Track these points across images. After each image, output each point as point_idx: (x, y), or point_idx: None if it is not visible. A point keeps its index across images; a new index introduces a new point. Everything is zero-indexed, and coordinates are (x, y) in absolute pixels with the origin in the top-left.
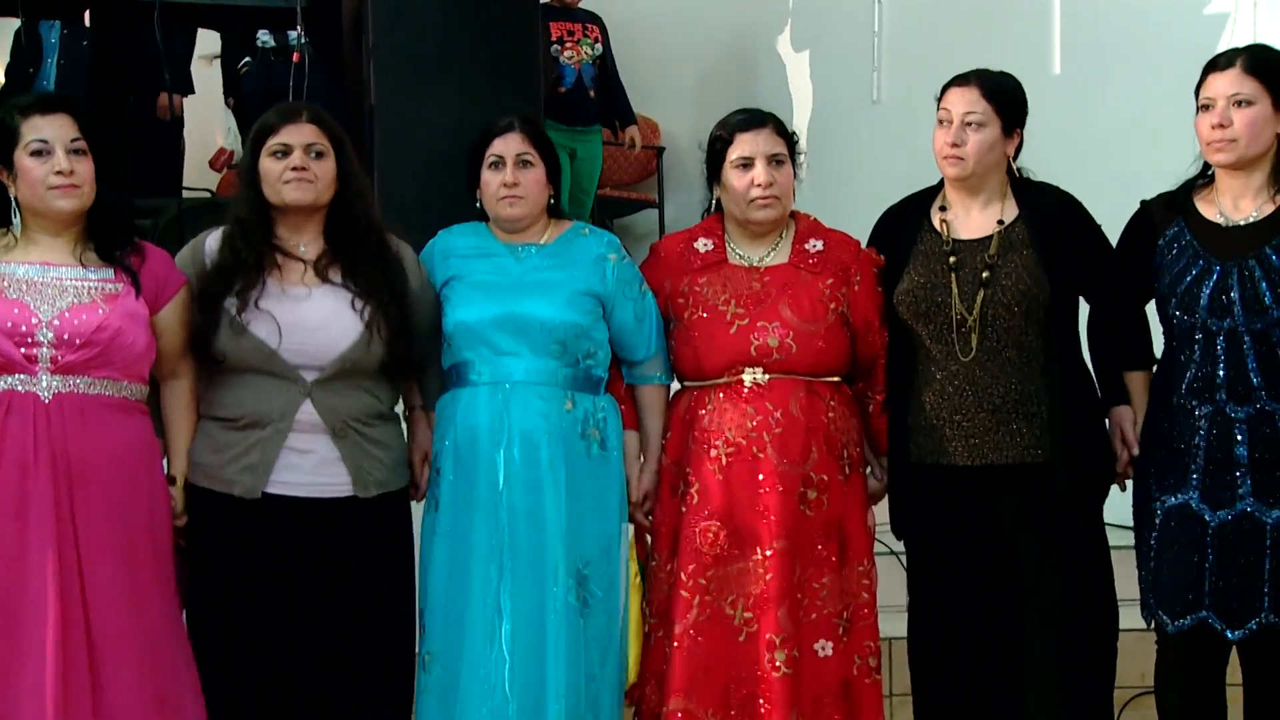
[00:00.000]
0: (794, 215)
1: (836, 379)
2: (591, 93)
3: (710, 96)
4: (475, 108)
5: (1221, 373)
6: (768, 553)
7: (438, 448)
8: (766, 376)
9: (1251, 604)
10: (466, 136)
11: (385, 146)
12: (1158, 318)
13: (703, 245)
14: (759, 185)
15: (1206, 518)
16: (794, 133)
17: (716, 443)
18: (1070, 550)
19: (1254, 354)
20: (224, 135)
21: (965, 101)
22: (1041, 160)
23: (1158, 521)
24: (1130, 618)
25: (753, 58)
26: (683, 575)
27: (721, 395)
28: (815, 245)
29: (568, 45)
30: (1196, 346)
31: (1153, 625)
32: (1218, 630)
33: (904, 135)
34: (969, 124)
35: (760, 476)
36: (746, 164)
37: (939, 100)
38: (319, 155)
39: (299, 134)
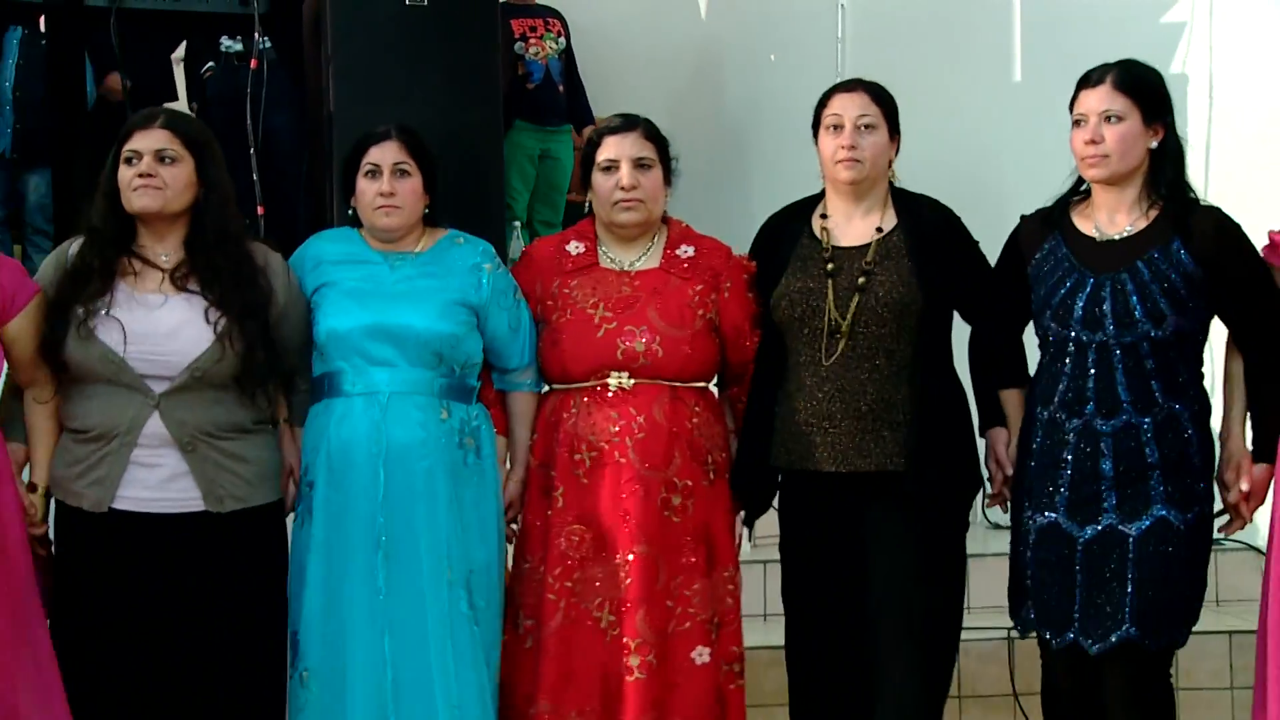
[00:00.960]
0: (667, 221)
1: (704, 385)
2: (560, 88)
3: (676, 103)
4: (435, 114)
5: (1091, 386)
6: (629, 557)
7: (309, 459)
8: (632, 381)
9: (1114, 618)
10: (428, 143)
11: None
12: (1034, 332)
13: (574, 248)
14: (622, 188)
15: (1074, 534)
16: (668, 139)
17: (580, 446)
18: (927, 559)
19: (1123, 368)
20: None
21: (857, 105)
22: (1003, 166)
23: (1031, 540)
24: None
25: (719, 64)
26: (550, 578)
27: (586, 399)
28: (686, 251)
29: (532, 41)
30: (1069, 359)
31: (1025, 639)
32: (1084, 647)
33: None
34: (863, 126)
35: (622, 481)
36: (612, 166)
37: (825, 105)
38: (171, 161)
39: (149, 140)
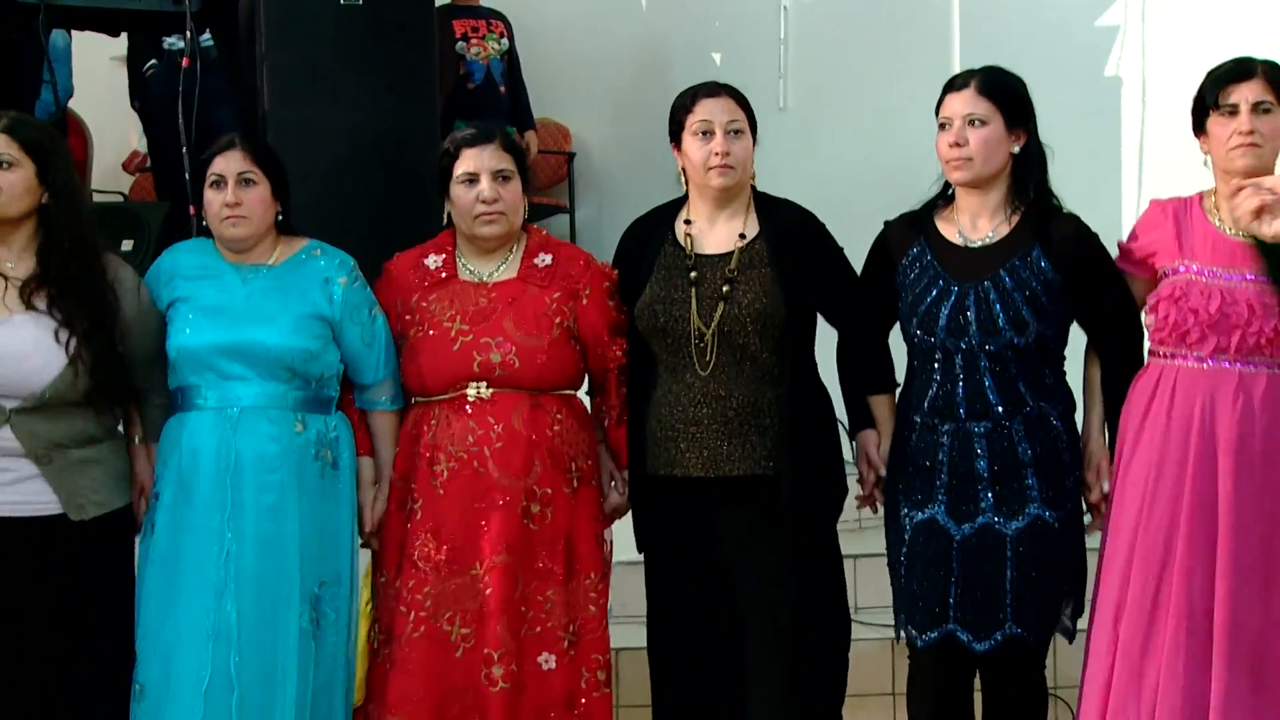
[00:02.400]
0: (527, 229)
1: (568, 392)
2: (502, 88)
3: (621, 103)
4: (371, 114)
5: (960, 391)
6: (487, 567)
7: (159, 471)
8: (490, 391)
9: (995, 616)
10: (363, 143)
11: (279, 153)
12: (902, 337)
13: (433, 262)
14: (484, 201)
15: (951, 531)
16: (525, 148)
17: (439, 457)
18: (799, 563)
19: (989, 373)
20: (138, 138)
21: (725, 110)
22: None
23: (907, 537)
24: None
25: (663, 64)
26: (404, 591)
27: (445, 411)
28: (544, 259)
29: (473, 41)
30: (937, 365)
31: (903, 639)
32: (964, 643)
33: (810, 142)
34: (732, 132)
35: (481, 491)
36: (472, 179)
37: (690, 111)
38: (8, 166)
39: None
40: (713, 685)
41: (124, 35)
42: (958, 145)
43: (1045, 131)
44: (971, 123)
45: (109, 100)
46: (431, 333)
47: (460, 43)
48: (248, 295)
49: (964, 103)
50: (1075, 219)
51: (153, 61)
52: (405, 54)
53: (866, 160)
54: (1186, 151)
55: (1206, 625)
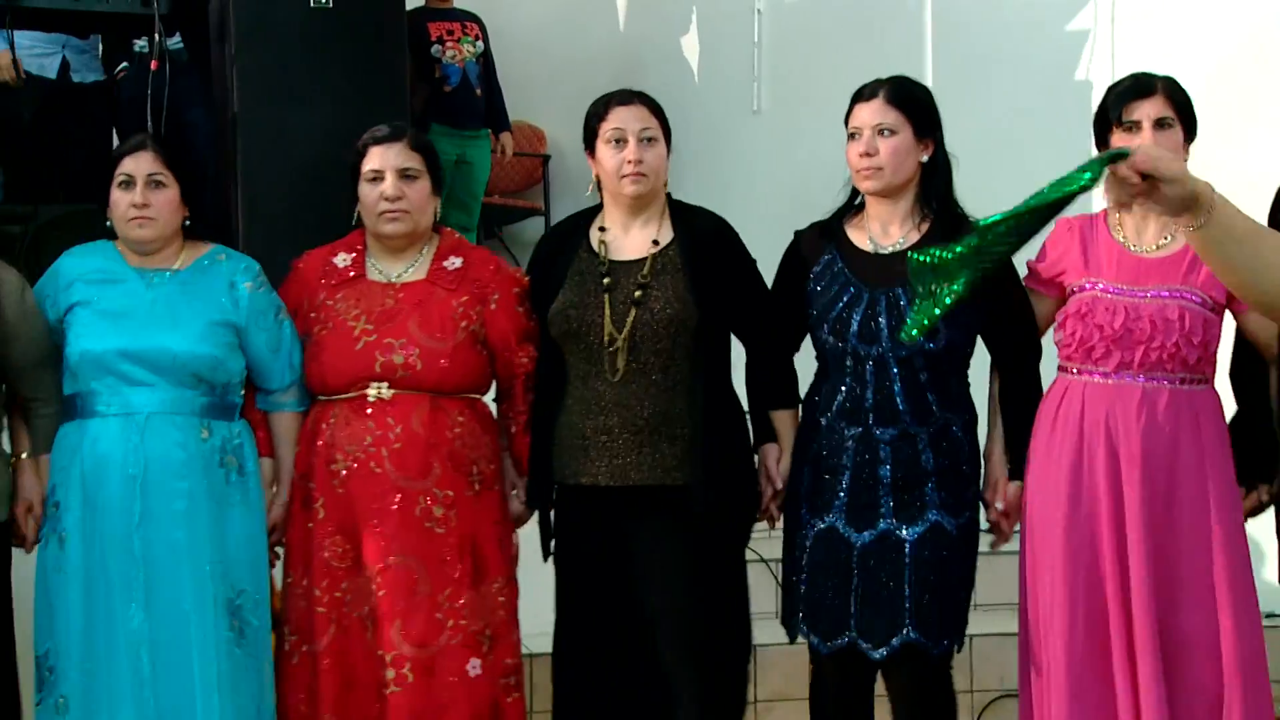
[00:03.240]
0: (440, 231)
1: (473, 396)
2: (478, 91)
3: (592, 97)
4: (342, 116)
5: (869, 396)
6: (379, 568)
7: (59, 479)
8: (391, 392)
9: (894, 622)
10: (334, 146)
11: (249, 156)
12: (812, 343)
13: (342, 260)
14: (386, 198)
15: (852, 539)
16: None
17: (337, 457)
18: (708, 572)
19: (899, 379)
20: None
21: (638, 118)
22: None
23: (808, 545)
24: (976, 624)
25: (636, 67)
26: (317, 592)
27: (345, 410)
28: (454, 263)
29: (448, 44)
30: (847, 371)
31: (803, 642)
32: (863, 649)
33: (784, 145)
34: (646, 139)
35: (378, 492)
36: (377, 177)
37: (603, 119)
38: None
39: None
40: (617, 694)
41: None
42: (868, 155)
43: (1017, 135)
44: (881, 132)
45: None
46: (335, 331)
47: (435, 46)
48: (153, 300)
49: (873, 113)
50: None
51: (124, 64)
52: (376, 55)
53: (839, 163)
54: None
55: (1128, 634)
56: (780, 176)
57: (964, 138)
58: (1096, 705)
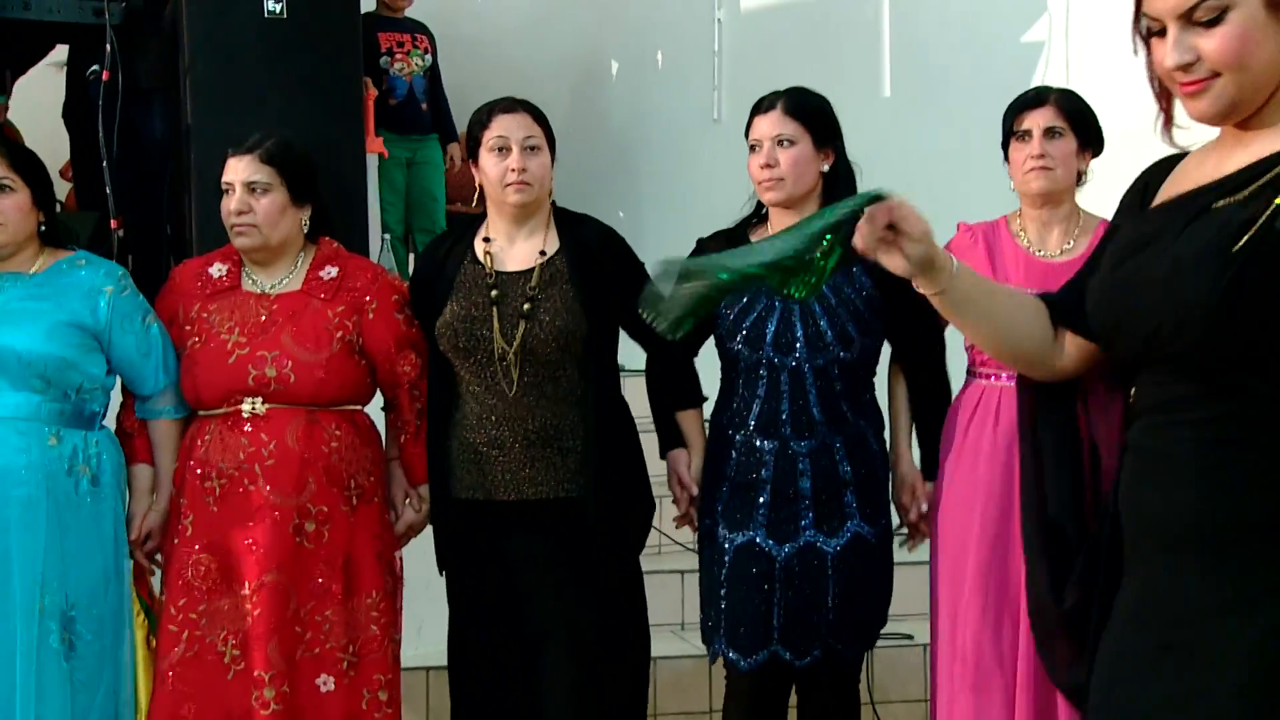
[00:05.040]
0: (320, 241)
1: (351, 407)
2: (424, 105)
3: (555, 114)
4: (296, 126)
5: (785, 408)
6: (255, 586)
7: None
8: (265, 406)
9: (816, 633)
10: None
11: (203, 167)
12: (719, 354)
13: (217, 270)
14: (233, 212)
15: (773, 553)
16: (301, 158)
17: (211, 473)
18: (602, 585)
19: (815, 390)
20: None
21: (522, 126)
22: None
23: (727, 560)
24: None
25: (597, 77)
26: (172, 609)
27: (219, 425)
28: (330, 272)
29: (398, 57)
30: (761, 383)
31: (720, 660)
32: (786, 660)
33: (744, 153)
34: (529, 148)
35: (251, 509)
36: (228, 189)
37: (486, 127)
38: None
39: None
40: (512, 706)
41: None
42: (769, 166)
43: (973, 145)
44: (781, 143)
45: (46, 107)
46: (208, 344)
47: (384, 57)
48: (2, 303)
49: (772, 124)
50: None
51: (94, 67)
52: (331, 65)
53: None
54: (1110, 165)
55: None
56: (741, 185)
57: (920, 147)
58: (1001, 708)
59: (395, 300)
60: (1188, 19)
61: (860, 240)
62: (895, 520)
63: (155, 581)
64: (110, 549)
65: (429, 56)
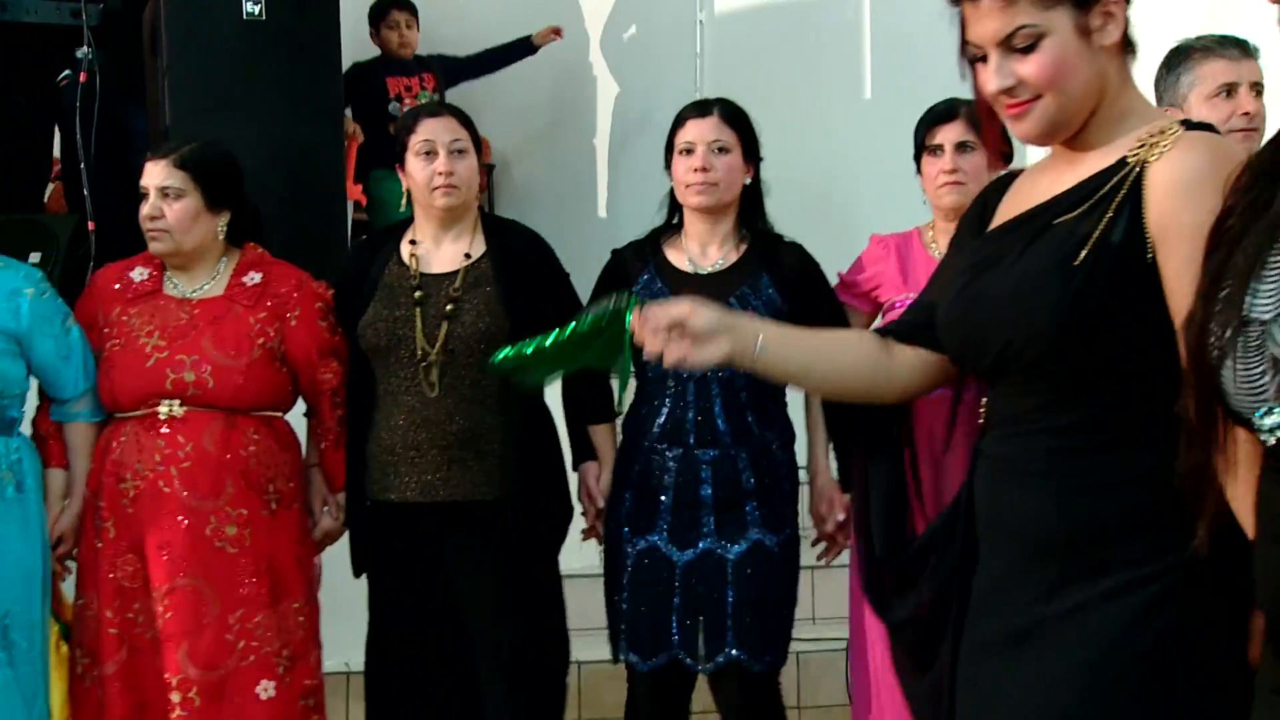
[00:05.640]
0: (244, 247)
1: (270, 413)
2: None
3: (540, 115)
4: (275, 128)
5: (690, 417)
6: (167, 590)
7: None
8: (183, 409)
9: (718, 639)
10: (267, 158)
11: None
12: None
13: (139, 275)
14: (146, 217)
15: (674, 558)
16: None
17: (126, 476)
18: (520, 587)
19: (720, 401)
20: (57, 145)
21: (448, 130)
22: (854, 179)
23: (629, 564)
24: (812, 636)
25: (581, 78)
26: (108, 613)
27: (136, 428)
28: (254, 278)
29: (406, 100)
30: (669, 392)
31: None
32: (688, 666)
33: None
34: (456, 151)
35: (166, 512)
36: (144, 193)
37: (412, 131)
38: None
39: None
40: (430, 711)
41: None
42: (704, 170)
43: None
44: (718, 149)
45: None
46: (126, 347)
47: (394, 103)
48: None
49: (710, 129)
50: (799, 247)
51: (66, 71)
52: (309, 67)
53: (781, 173)
54: None
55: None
56: None
57: (900, 149)
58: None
59: (319, 308)
60: (1007, 46)
61: (650, 352)
62: (813, 530)
63: (65, 587)
64: (39, 554)
65: (436, 96)
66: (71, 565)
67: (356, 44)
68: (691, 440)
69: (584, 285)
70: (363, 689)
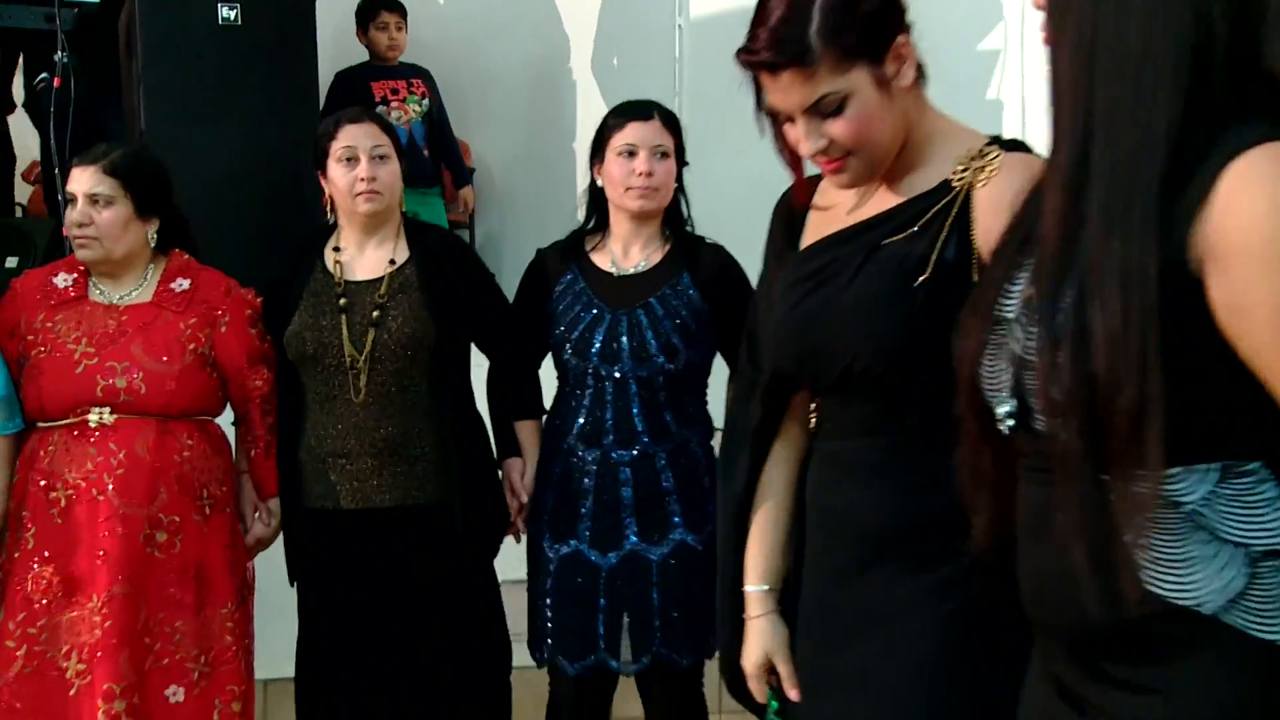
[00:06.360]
0: (170, 253)
1: (202, 418)
2: (426, 151)
3: (520, 120)
4: (252, 134)
5: (609, 417)
6: (105, 598)
7: None
8: (114, 416)
9: (645, 640)
10: (244, 164)
11: None
12: (553, 364)
13: (62, 281)
14: (74, 224)
15: (597, 562)
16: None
17: (56, 484)
18: (457, 591)
19: (639, 400)
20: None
21: (369, 135)
22: None
23: (552, 569)
24: None
25: (561, 83)
26: (10, 625)
27: (65, 436)
28: (182, 284)
29: (393, 104)
30: (588, 392)
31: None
32: (614, 668)
33: (706, 159)
34: (377, 157)
35: (100, 519)
36: (71, 200)
37: (333, 138)
38: None
39: None
40: (361, 716)
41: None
42: (649, 174)
43: None
44: (660, 154)
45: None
46: (54, 355)
47: (380, 107)
48: None
49: (653, 133)
50: (720, 248)
51: (43, 75)
52: (286, 72)
53: (761, 176)
54: None
55: None
56: (702, 189)
57: None
58: None
59: (248, 315)
60: (814, 110)
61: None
62: None
63: None
64: None
65: (427, 101)
66: None
67: (338, 51)
68: (610, 441)
69: None
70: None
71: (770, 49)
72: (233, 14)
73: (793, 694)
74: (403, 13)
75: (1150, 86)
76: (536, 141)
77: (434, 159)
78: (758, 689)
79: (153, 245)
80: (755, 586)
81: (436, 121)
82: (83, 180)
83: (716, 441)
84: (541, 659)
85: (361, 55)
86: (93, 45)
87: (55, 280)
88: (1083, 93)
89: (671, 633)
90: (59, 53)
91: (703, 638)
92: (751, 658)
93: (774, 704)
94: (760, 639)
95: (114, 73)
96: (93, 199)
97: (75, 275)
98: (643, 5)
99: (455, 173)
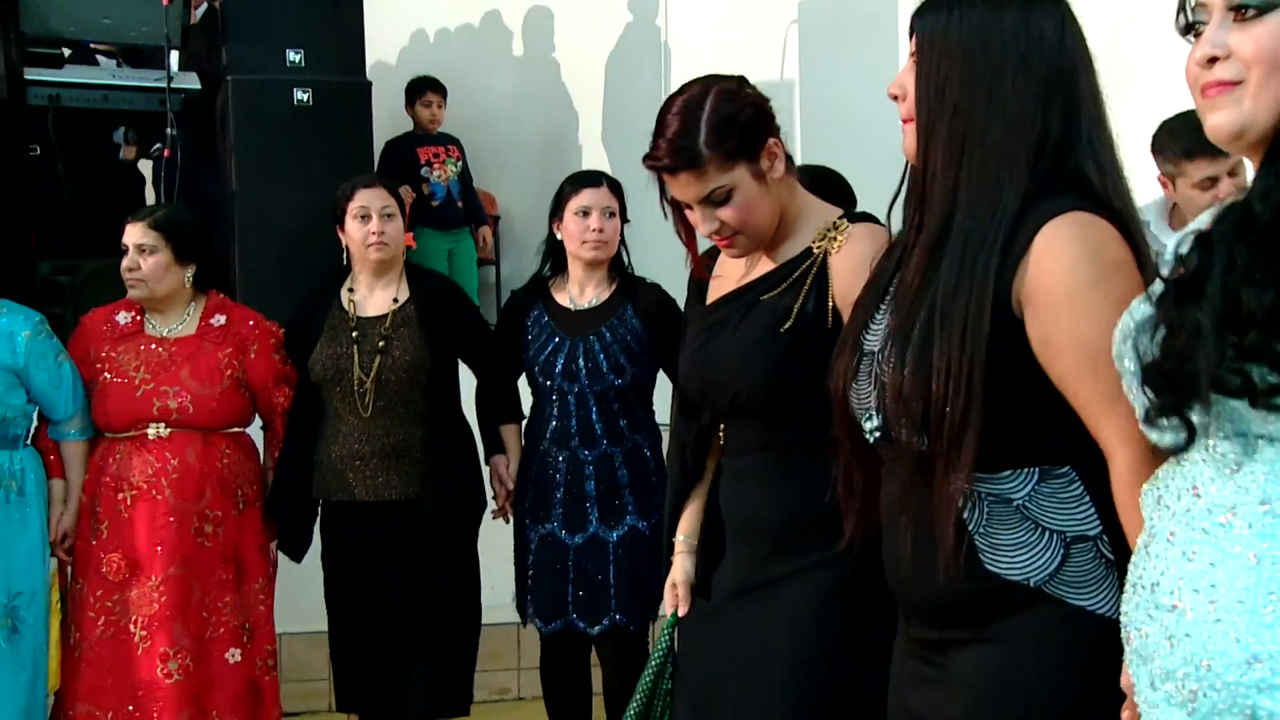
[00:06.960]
0: (209, 293)
1: (237, 430)
2: (459, 203)
3: (537, 176)
4: (319, 193)
5: (574, 424)
6: (162, 578)
7: None
8: (169, 430)
9: (603, 606)
10: (313, 217)
11: (244, 227)
12: (526, 382)
13: (123, 318)
14: (125, 269)
15: (567, 541)
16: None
17: (124, 487)
18: (441, 565)
19: (596, 410)
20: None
21: (379, 198)
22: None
23: (533, 548)
24: None
25: (570, 146)
26: (91, 598)
27: (128, 447)
28: (220, 320)
29: (435, 167)
30: (555, 404)
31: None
32: (581, 629)
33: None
34: (386, 215)
35: (158, 515)
36: (125, 250)
37: (350, 199)
38: None
39: None
40: (380, 660)
41: None
42: (600, 231)
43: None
44: (609, 214)
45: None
46: (118, 380)
47: (425, 168)
48: None
49: (603, 196)
50: (657, 287)
51: (157, 145)
52: (347, 143)
53: None
54: None
55: None
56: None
57: (851, 157)
58: None
59: (273, 343)
60: (707, 200)
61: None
62: None
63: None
64: (37, 548)
65: (460, 163)
66: (69, 557)
67: (394, 120)
68: (575, 443)
69: None
70: (325, 646)
71: (669, 156)
72: (305, 96)
73: (683, 609)
74: (444, 92)
75: (1006, 174)
76: (550, 195)
77: (465, 208)
78: (669, 600)
79: (189, 285)
80: (680, 537)
81: (466, 179)
82: (132, 233)
83: (664, 444)
84: (525, 619)
85: (406, 125)
86: (195, 122)
87: (117, 317)
88: (952, 177)
89: (624, 602)
90: (169, 129)
91: (649, 606)
92: (671, 578)
93: (672, 617)
94: (677, 567)
95: (211, 144)
96: (140, 248)
97: (133, 314)
98: (635, 84)
99: (477, 217)
